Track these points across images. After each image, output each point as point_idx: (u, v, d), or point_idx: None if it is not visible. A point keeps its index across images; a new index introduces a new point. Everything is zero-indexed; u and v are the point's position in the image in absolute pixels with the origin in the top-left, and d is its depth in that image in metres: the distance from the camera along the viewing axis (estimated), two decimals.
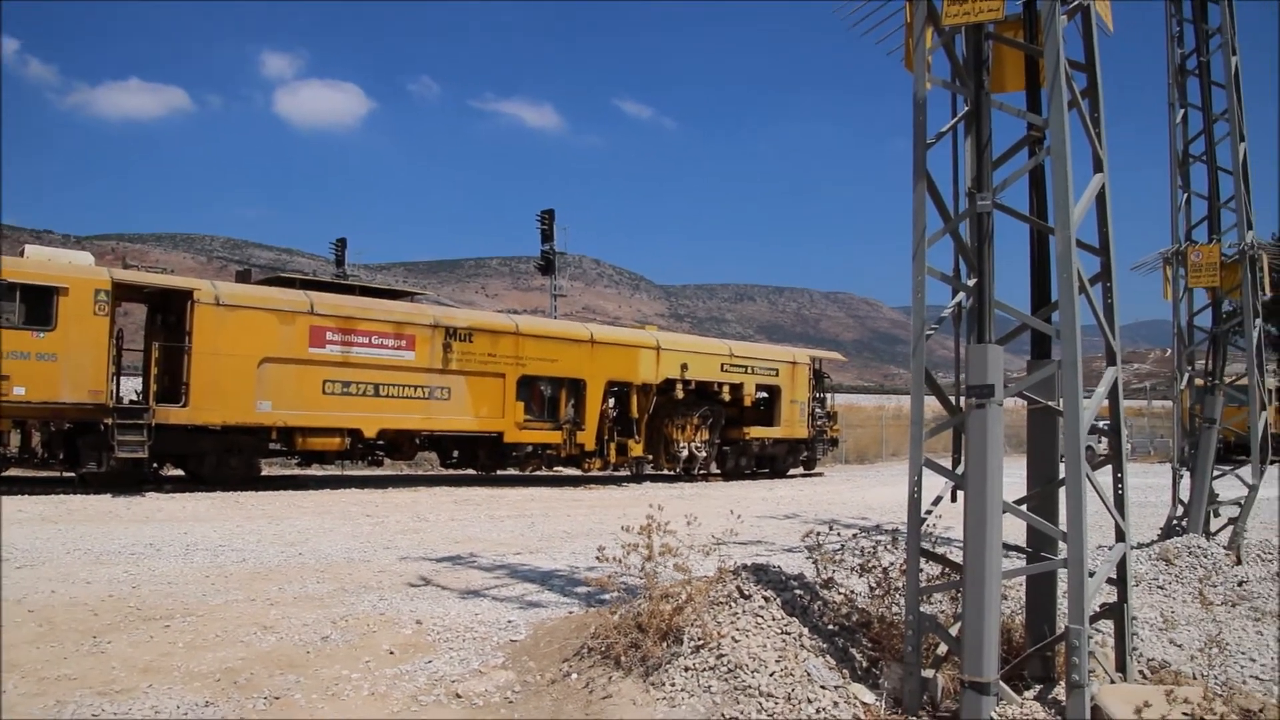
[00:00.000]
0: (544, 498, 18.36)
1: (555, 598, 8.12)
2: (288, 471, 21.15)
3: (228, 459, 17.35)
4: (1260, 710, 5.30)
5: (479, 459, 21.15)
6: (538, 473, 22.51)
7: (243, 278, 20.32)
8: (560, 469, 22.91)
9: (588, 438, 21.60)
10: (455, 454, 21.30)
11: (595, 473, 22.78)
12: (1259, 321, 10.86)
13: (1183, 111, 11.35)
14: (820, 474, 28.43)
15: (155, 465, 17.24)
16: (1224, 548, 10.24)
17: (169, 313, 17.75)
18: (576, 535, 12.42)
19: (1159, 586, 9.15)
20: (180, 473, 18.29)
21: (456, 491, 18.80)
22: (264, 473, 19.53)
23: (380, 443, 19.14)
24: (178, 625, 6.67)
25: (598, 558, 6.03)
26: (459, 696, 5.48)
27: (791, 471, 27.22)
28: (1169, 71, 11.39)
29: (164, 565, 9.20)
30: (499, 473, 21.92)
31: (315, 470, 21.00)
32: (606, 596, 6.50)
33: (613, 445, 22.32)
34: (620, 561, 5.78)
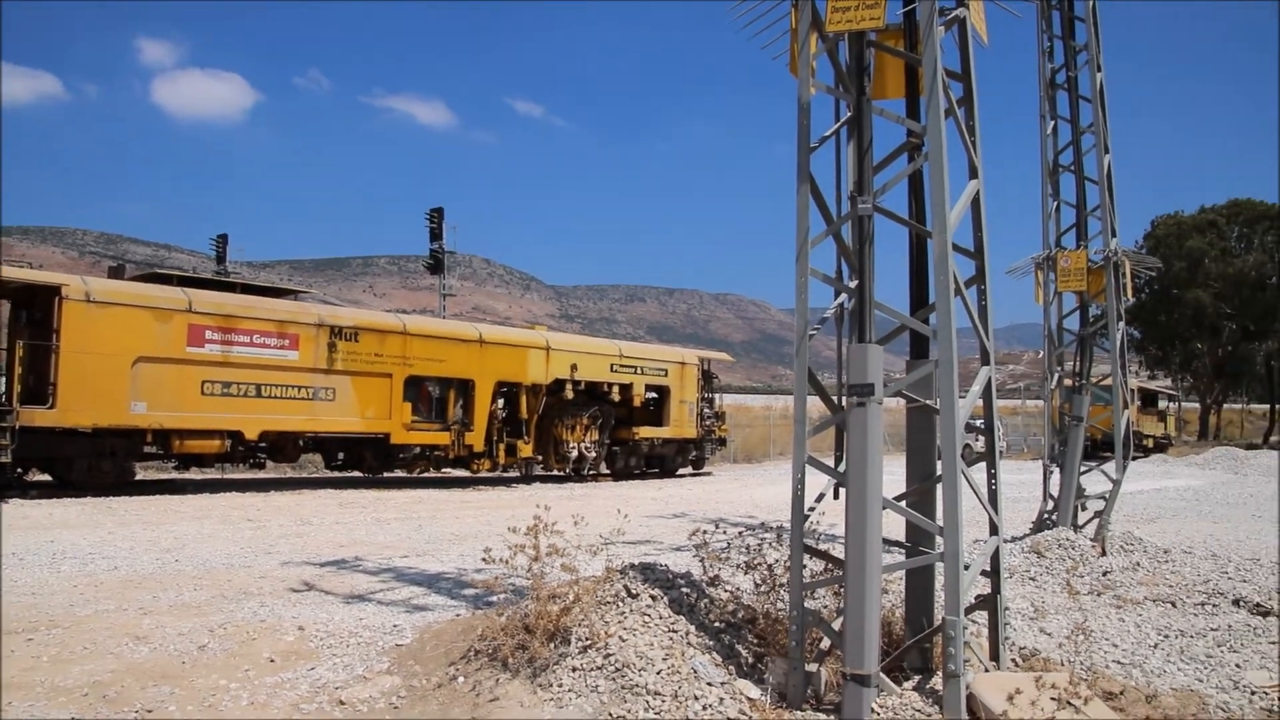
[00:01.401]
0: (432, 499, 18.11)
1: (442, 601, 8.02)
2: (164, 476, 20.38)
3: (99, 463, 16.61)
4: (1121, 692, 5.57)
5: (365, 461, 20.74)
6: (425, 474, 22.20)
7: (115, 274, 19.49)
8: (448, 470, 22.63)
9: (476, 438, 21.39)
10: (341, 456, 20.83)
11: (484, 474, 22.57)
12: (1122, 324, 11.40)
13: (1053, 123, 11.84)
14: (709, 473, 28.72)
15: (19, 470, 16.41)
16: (1090, 540, 10.71)
17: (35, 309, 16.90)
18: (465, 537, 12.29)
19: (1031, 578, 9.52)
20: (47, 478, 17.44)
21: (342, 494, 18.39)
22: (139, 477, 18.76)
23: (262, 445, 18.59)
24: (42, 638, 6.35)
25: (484, 559, 5.98)
26: (343, 703, 5.36)
27: (681, 471, 27.45)
28: (1040, 85, 11.87)
29: (28, 575, 8.76)
30: (386, 475, 21.55)
31: (194, 474, 20.27)
32: (494, 598, 6.45)
33: (502, 446, 22.15)
34: (507, 563, 5.74)
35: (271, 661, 6.01)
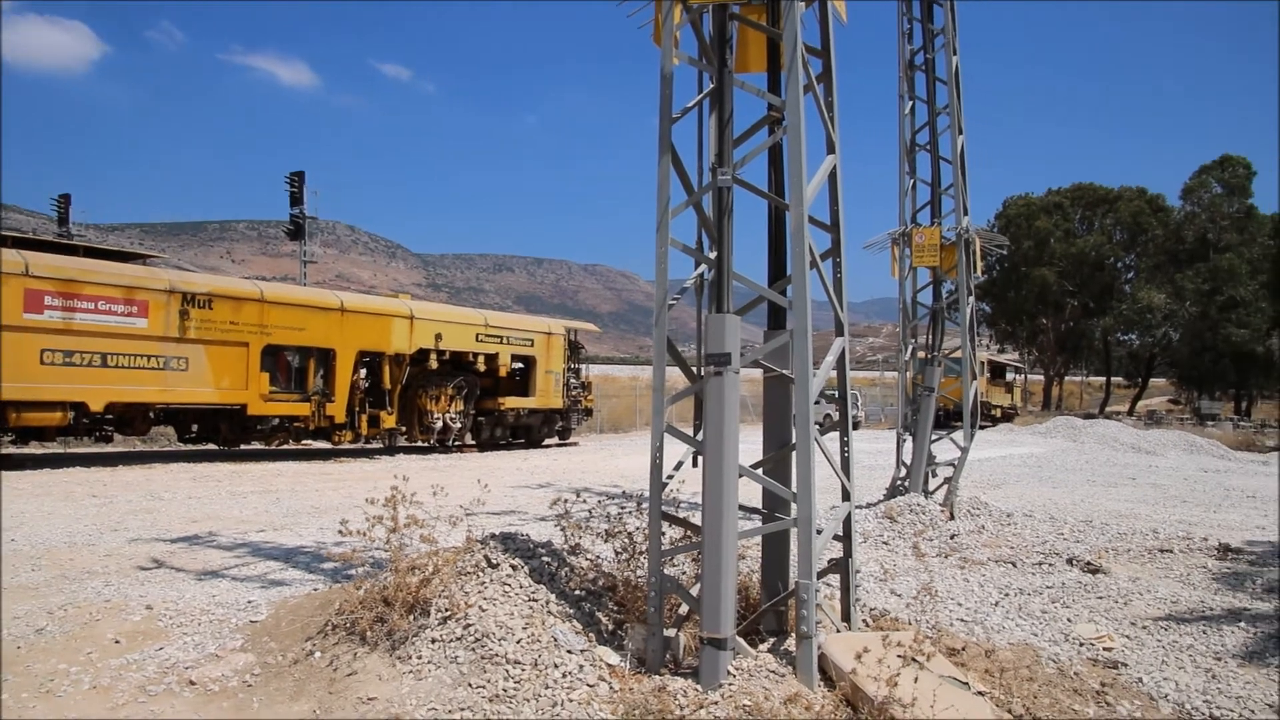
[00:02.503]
0: (291, 472, 17.63)
1: (300, 575, 7.85)
2: None
3: None
4: (963, 648, 5.85)
5: (221, 433, 20.04)
6: (285, 446, 21.60)
7: None
8: (309, 442, 22.08)
9: (338, 409, 20.91)
10: (195, 428, 20.07)
11: (346, 445, 22.10)
12: (972, 299, 11.88)
13: (911, 103, 12.19)
14: (575, 444, 28.81)
15: None
16: (940, 505, 11.18)
17: None
18: (325, 510, 12.02)
19: (884, 542, 9.90)
20: None
21: (196, 468, 17.74)
22: None
23: (109, 417, 17.76)
24: None
25: (341, 532, 5.86)
26: (193, 684, 5.20)
27: (547, 441, 27.46)
28: (900, 66, 12.21)
29: None
30: (243, 447, 20.87)
31: (33, 448, 19.22)
32: (353, 572, 6.33)
33: (364, 417, 21.70)
34: (365, 535, 5.64)
35: (116, 643, 5.78)
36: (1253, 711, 5.34)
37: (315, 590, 6.95)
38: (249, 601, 6.73)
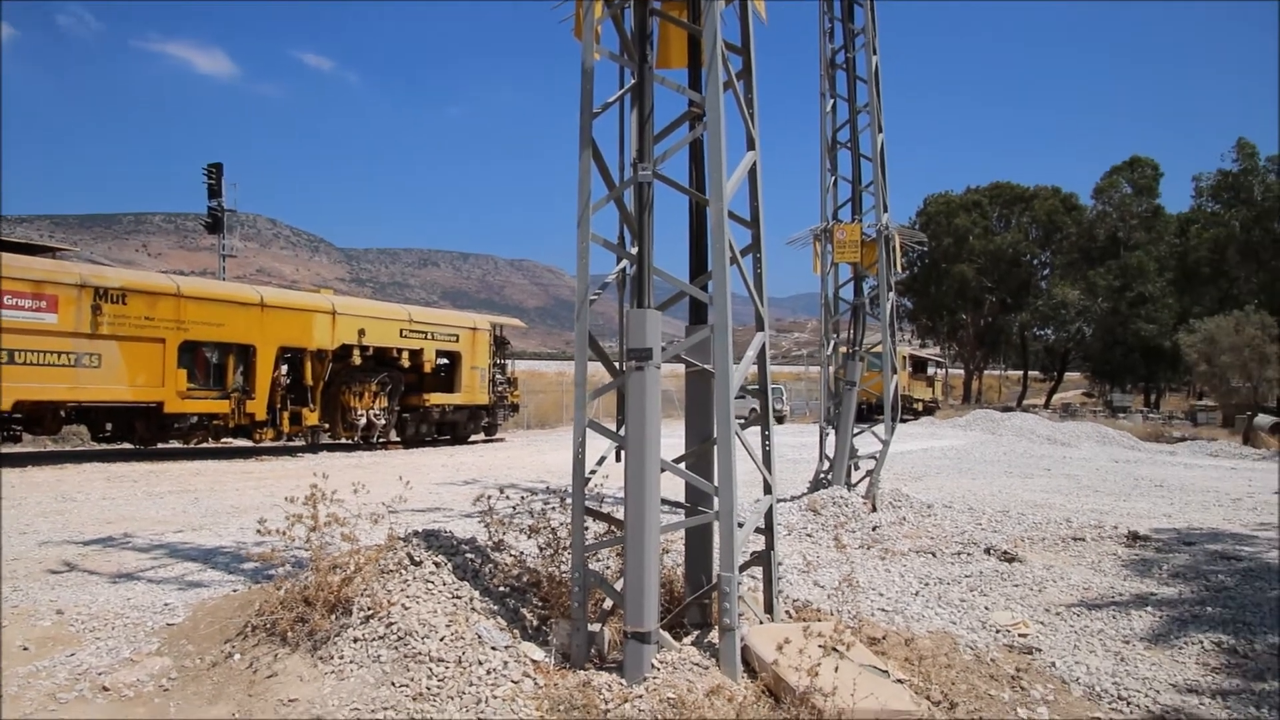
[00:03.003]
0: (211, 471, 17.26)
1: (219, 576, 7.70)
2: None
3: None
4: (883, 637, 5.97)
5: (136, 432, 19.51)
6: (204, 445, 21.13)
7: None
8: (230, 440, 21.63)
9: (258, 406, 20.50)
10: (109, 427, 19.50)
11: (268, 443, 21.70)
12: (892, 295, 12.09)
13: (832, 101, 12.37)
14: (502, 439, 28.66)
15: None
16: (862, 497, 11.37)
17: None
18: (245, 509, 11.79)
19: (807, 534, 10.03)
20: None
21: (110, 467, 17.26)
22: None
23: (17, 416, 17.17)
24: None
25: (259, 531, 5.77)
26: (106, 690, 5.07)
27: (473, 438, 27.28)
28: (821, 64, 12.37)
29: None
30: (160, 446, 20.35)
31: None
32: (274, 572, 6.24)
33: (286, 414, 21.32)
34: (285, 534, 5.55)
35: (25, 650, 5.62)
36: (1158, 692, 5.54)
37: (235, 591, 6.83)
38: (165, 604, 6.59)
